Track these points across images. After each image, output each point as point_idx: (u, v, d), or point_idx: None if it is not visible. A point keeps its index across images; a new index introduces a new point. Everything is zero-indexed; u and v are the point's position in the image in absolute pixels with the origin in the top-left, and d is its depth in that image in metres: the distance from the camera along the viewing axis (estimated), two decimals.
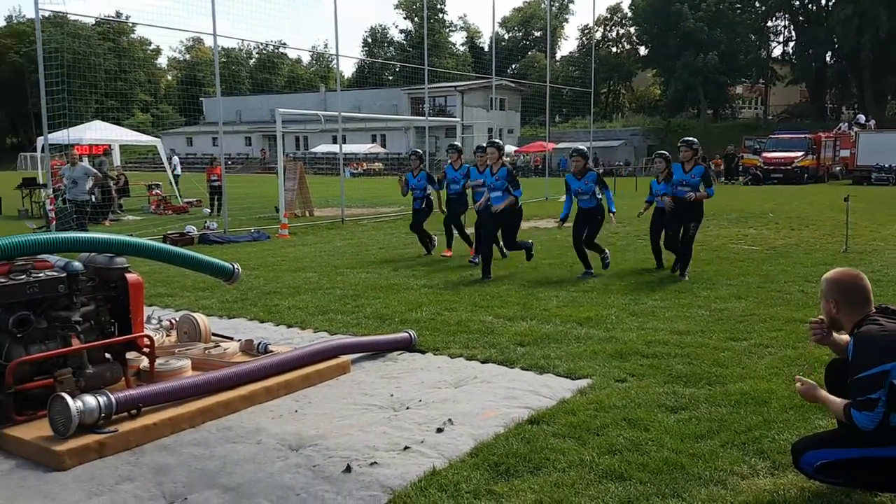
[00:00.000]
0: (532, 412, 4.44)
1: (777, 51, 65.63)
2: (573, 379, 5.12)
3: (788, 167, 34.05)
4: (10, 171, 45.43)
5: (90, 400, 3.95)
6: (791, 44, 62.98)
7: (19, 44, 76.41)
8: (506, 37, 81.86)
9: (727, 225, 15.26)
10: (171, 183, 24.34)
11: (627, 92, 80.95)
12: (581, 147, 9.55)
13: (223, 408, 4.53)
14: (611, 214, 9.22)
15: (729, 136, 48.07)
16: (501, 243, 10.14)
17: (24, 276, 4.25)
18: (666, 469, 3.61)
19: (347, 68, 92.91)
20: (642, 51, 71.47)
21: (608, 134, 58.53)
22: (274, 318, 7.19)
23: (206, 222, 16.54)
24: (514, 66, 76.88)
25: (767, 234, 13.56)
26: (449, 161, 11.77)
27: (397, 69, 66.78)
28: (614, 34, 78.89)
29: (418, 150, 12.23)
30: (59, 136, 17.66)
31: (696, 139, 9.26)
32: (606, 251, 9.50)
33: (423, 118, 25.48)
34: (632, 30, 73.14)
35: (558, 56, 79.26)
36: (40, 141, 23.19)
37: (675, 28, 57.66)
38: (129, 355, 4.80)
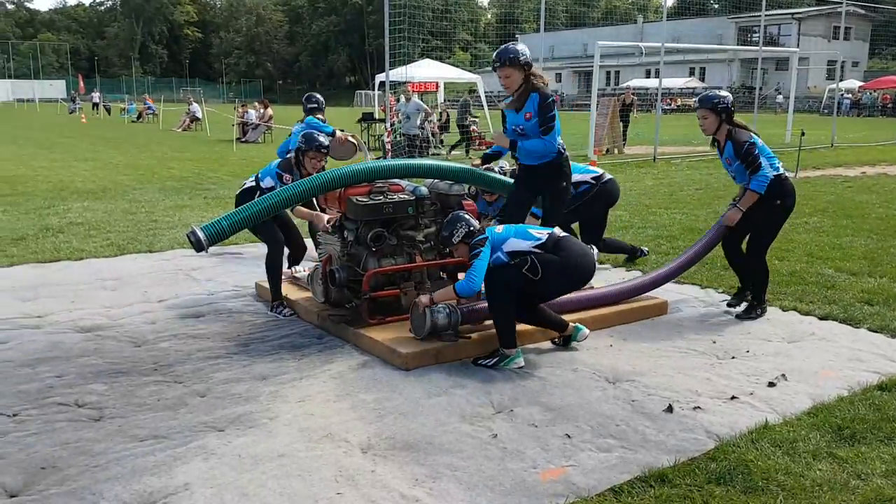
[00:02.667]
0: (882, 378, 3.99)
1: None
2: None
3: None
4: (347, 108, 51.07)
5: (442, 310, 4.35)
6: None
7: None
8: None
9: None
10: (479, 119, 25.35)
11: None
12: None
13: (541, 333, 4.71)
14: None
15: None
16: None
17: (381, 198, 4.76)
18: None
19: None
20: None
21: None
22: None
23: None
24: None
25: None
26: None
27: None
28: None
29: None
30: (395, 74, 19.32)
31: (719, 92, 5.22)
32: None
33: (755, 48, 23.25)
34: None
35: None
36: (379, 78, 25.64)
37: None
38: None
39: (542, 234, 4.31)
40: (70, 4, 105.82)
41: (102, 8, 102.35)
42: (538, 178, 4.97)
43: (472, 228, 4.36)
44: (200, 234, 4.33)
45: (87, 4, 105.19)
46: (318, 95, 8.16)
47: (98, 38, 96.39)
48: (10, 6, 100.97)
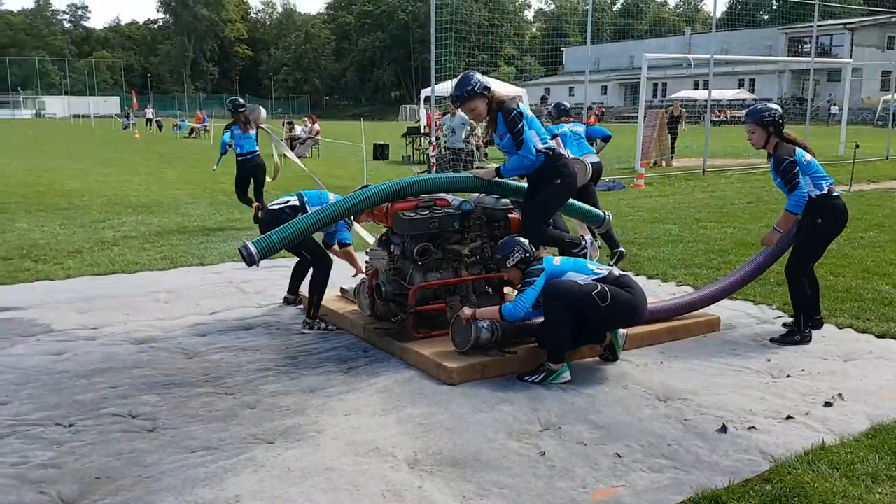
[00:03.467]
0: None
1: None
2: None
3: None
4: (393, 122, 51.53)
5: (486, 326, 4.34)
6: None
7: (406, 3, 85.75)
8: None
9: None
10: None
11: None
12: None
13: (589, 350, 4.65)
14: None
15: None
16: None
17: (427, 212, 4.78)
18: None
19: (717, 8, 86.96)
20: None
21: None
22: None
23: None
24: None
25: None
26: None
27: (774, 7, 60.87)
28: None
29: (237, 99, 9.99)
30: (440, 89, 19.41)
31: (768, 104, 5.07)
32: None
33: (807, 59, 22.71)
34: None
35: None
36: (424, 93, 25.81)
37: None
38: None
39: (601, 269, 4.31)
40: (124, 23, 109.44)
41: (155, 26, 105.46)
42: (532, 183, 4.90)
43: (527, 255, 4.35)
44: (252, 248, 4.40)
45: (141, 22, 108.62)
46: (241, 99, 9.96)
47: (151, 55, 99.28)
48: (67, 24, 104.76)
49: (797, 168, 4.73)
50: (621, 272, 4.38)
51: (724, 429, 3.55)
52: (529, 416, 3.75)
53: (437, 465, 3.24)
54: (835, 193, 4.84)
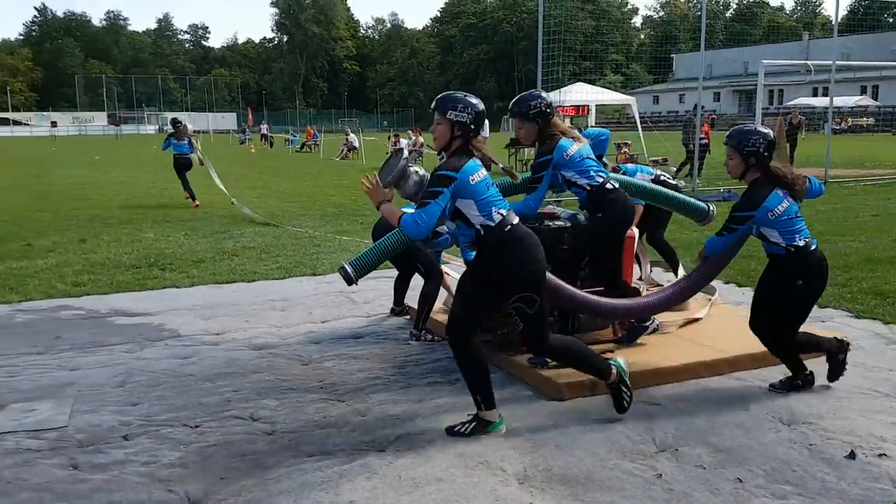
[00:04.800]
0: None
1: None
2: None
3: None
4: (495, 133, 51.55)
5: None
6: None
7: (511, 14, 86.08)
8: None
9: None
10: (640, 141, 24.70)
11: None
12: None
13: (706, 369, 4.49)
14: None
15: None
16: None
17: (536, 224, 4.75)
18: None
19: (838, 12, 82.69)
20: None
21: None
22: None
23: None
24: None
25: None
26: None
27: None
28: None
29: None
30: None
31: (758, 128, 4.08)
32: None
33: None
34: None
35: None
36: None
37: None
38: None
39: (500, 213, 3.59)
40: (240, 42, 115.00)
41: (270, 45, 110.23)
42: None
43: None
44: (349, 269, 4.47)
45: (257, 41, 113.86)
46: (180, 118, 15.33)
47: (265, 72, 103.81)
48: (188, 45, 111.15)
49: (749, 224, 4.01)
50: (514, 222, 3.64)
51: (852, 455, 3.35)
52: (644, 437, 3.66)
53: (547, 482, 3.21)
54: (813, 247, 4.05)
